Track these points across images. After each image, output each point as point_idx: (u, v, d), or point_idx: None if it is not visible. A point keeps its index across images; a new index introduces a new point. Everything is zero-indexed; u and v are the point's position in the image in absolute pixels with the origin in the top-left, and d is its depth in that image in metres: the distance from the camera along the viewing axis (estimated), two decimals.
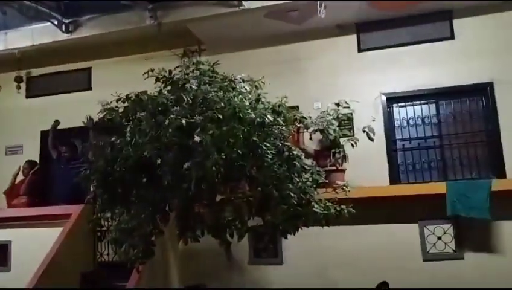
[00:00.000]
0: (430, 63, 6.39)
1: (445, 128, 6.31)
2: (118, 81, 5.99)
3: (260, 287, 5.15)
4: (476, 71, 6.20)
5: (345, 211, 3.73)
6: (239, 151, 3.13)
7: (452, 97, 6.34)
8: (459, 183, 5.31)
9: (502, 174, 5.80)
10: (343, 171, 5.09)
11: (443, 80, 6.29)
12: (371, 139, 5.58)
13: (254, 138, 3.33)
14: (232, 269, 5.30)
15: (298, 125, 5.93)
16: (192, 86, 3.63)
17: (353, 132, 6.47)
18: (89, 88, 7.83)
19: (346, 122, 6.31)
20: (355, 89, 6.55)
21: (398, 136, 6.45)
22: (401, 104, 6.52)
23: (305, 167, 3.65)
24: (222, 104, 3.43)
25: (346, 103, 5.13)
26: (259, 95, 4.16)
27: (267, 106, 3.86)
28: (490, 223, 4.76)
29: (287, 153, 3.60)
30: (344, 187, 3.72)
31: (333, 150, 5.06)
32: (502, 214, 4.75)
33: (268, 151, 3.44)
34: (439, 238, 4.85)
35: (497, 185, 4.68)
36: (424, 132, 6.37)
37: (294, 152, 3.65)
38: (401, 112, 6.53)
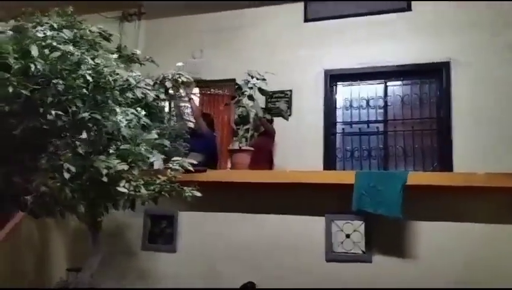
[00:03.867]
0: (381, 38, 5.62)
1: (391, 113, 5.56)
2: None
3: (149, 274, 4.62)
4: (432, 49, 5.43)
5: (188, 193, 3.10)
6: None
7: (403, 78, 5.57)
8: (370, 173, 4.58)
9: (448, 167, 5.07)
10: (248, 151, 4.46)
11: (394, 57, 5.52)
12: (285, 118, 4.89)
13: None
14: (123, 254, 4.76)
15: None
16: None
17: (290, 111, 5.80)
18: None
19: (274, 99, 5.62)
20: (297, 62, 5.86)
21: (338, 119, 5.73)
22: (346, 83, 5.77)
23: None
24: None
25: (259, 74, 4.47)
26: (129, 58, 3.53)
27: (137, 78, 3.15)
28: (404, 223, 4.03)
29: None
30: (180, 167, 3.04)
31: (237, 127, 4.43)
32: (419, 214, 4.01)
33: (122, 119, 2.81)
34: (348, 236, 4.16)
35: (415, 178, 3.93)
36: (367, 115, 5.63)
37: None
38: (344, 92, 5.79)
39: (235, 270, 4.34)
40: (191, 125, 5.31)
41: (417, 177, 3.97)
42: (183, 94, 5.23)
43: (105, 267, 4.24)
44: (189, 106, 5.12)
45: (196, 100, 6.21)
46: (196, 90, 6.01)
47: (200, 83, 6.09)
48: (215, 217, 4.55)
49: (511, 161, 4.64)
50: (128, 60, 3.73)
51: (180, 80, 3.72)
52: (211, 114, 5.61)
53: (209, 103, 6.41)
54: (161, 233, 4.77)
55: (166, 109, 5.77)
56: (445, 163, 5.15)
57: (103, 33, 3.24)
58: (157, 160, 3.23)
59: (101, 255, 3.75)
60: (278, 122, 5.37)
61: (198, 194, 3.17)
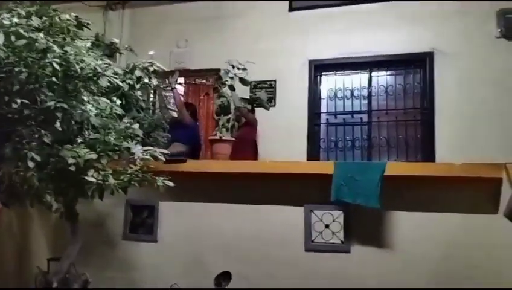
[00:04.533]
0: (366, 27, 5.57)
1: (375, 104, 5.53)
2: None
3: (130, 264, 4.62)
4: (416, 39, 5.39)
5: (159, 183, 3.08)
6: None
7: (387, 68, 5.54)
8: (349, 164, 4.57)
9: (431, 158, 5.07)
10: (229, 142, 4.43)
11: (379, 47, 5.48)
12: (266, 108, 4.86)
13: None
14: (105, 243, 4.75)
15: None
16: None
17: (275, 101, 5.77)
18: None
19: (258, 89, 5.58)
20: (281, 52, 5.80)
21: (323, 109, 5.71)
22: (330, 73, 5.73)
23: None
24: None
25: (240, 64, 4.43)
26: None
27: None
28: (383, 213, 4.03)
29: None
30: (150, 157, 2.99)
31: (218, 118, 4.40)
32: (397, 204, 4.02)
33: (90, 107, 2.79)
34: (327, 226, 4.16)
35: (393, 168, 3.93)
36: (352, 106, 5.61)
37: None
38: (329, 82, 5.76)
39: (216, 260, 4.34)
40: (175, 115, 5.28)
41: (395, 168, 3.98)
42: (166, 84, 5.21)
43: (87, 257, 4.24)
44: (172, 95, 5.08)
45: (180, 90, 6.18)
46: (180, 79, 5.97)
47: (185, 73, 6.04)
48: (197, 207, 4.55)
49: (493, 152, 4.62)
50: (107, 49, 3.69)
51: (151, 68, 3.68)
52: (194, 104, 5.57)
53: (194, 93, 6.37)
54: (142, 223, 4.76)
55: (151, 99, 5.76)
56: (427, 154, 5.15)
57: (75, 21, 3.19)
58: (134, 150, 3.20)
59: (80, 244, 3.74)
60: (262, 113, 5.35)
61: (171, 184, 3.15)
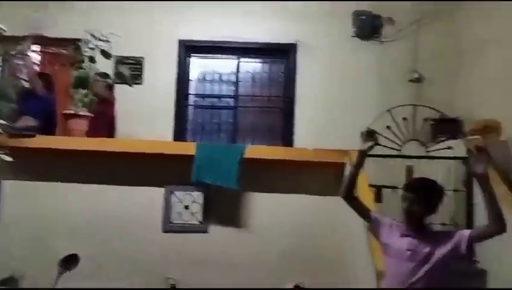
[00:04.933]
0: (238, 14, 5.65)
1: (243, 89, 5.68)
2: None
3: None
4: (283, 30, 5.63)
5: None
6: None
7: (255, 55, 5.71)
8: (210, 145, 4.67)
9: (291, 144, 5.38)
10: (85, 117, 4.16)
11: (248, 34, 5.60)
12: (129, 84, 4.67)
13: None
14: None
15: None
16: None
17: (142, 78, 5.56)
18: None
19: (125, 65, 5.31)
20: (151, 30, 5.61)
21: (191, 91, 5.68)
22: (200, 55, 5.72)
23: None
24: None
25: (102, 36, 4.16)
26: None
27: None
28: (241, 194, 4.18)
29: None
30: None
31: (75, 91, 4.09)
32: (256, 185, 4.20)
33: None
34: (187, 207, 4.18)
35: (252, 151, 4.09)
36: (220, 89, 5.67)
37: None
38: (199, 64, 5.74)
39: (65, 243, 4.04)
40: (26, 85, 4.76)
41: (254, 151, 4.13)
42: (17, 50, 4.66)
43: None
44: (24, 63, 4.57)
45: (35, 59, 5.59)
46: (36, 47, 5.40)
47: (42, 40, 5.48)
48: (47, 186, 4.18)
49: (342, 140, 5.04)
50: None
51: None
52: (50, 74, 5.08)
53: (51, 64, 5.81)
54: None
55: None
56: (288, 140, 5.45)
57: None
58: None
59: None
60: (128, 90, 5.11)
61: (9, 158, 2.84)
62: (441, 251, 2.29)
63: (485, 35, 4.67)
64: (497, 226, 2.20)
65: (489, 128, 4.17)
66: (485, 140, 3.94)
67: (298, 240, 4.18)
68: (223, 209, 4.21)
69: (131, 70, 5.26)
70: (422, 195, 2.32)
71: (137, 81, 5.46)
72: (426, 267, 2.29)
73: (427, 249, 2.31)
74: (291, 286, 3.99)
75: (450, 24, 5.38)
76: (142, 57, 5.58)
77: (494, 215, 2.20)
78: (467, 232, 2.30)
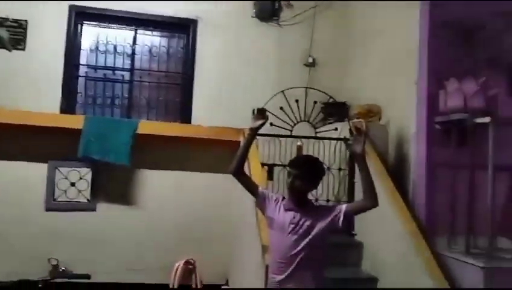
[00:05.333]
0: None
1: (138, 63, 5.44)
2: None
3: None
4: (185, 4, 5.47)
5: None
6: None
7: (154, 28, 5.50)
8: (100, 119, 4.49)
9: (188, 120, 5.31)
10: None
11: (148, 6, 5.36)
12: (8, 49, 4.26)
13: None
14: None
15: None
16: None
17: (25, 44, 5.06)
18: None
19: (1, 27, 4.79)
20: None
21: (82, 61, 5.31)
22: (93, 23, 5.36)
23: None
24: None
25: None
26: None
27: None
28: (133, 171, 4.07)
29: None
30: None
31: None
32: (148, 162, 4.11)
33: None
34: (73, 184, 3.95)
35: (146, 127, 3.98)
36: (114, 62, 5.38)
37: None
38: (91, 33, 5.37)
39: None
40: None
41: (148, 127, 4.03)
42: None
43: None
44: None
45: None
46: None
47: None
48: None
49: (238, 118, 5.09)
50: None
51: None
52: None
53: None
54: None
55: None
56: (186, 117, 5.37)
57: None
58: None
59: None
60: (8, 56, 4.65)
61: None
62: (321, 224, 2.44)
63: (372, 25, 5.01)
64: (370, 201, 2.40)
65: (372, 113, 4.51)
66: (368, 123, 4.26)
67: (190, 217, 4.19)
68: (113, 186, 4.07)
69: (12, 34, 4.79)
70: (305, 171, 2.44)
71: (19, 47, 5.00)
72: (307, 239, 2.42)
73: (308, 223, 2.44)
74: (182, 262, 4.00)
75: (343, 13, 5.67)
76: (25, 20, 5.07)
77: (368, 191, 2.39)
78: (344, 207, 2.47)
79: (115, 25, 5.40)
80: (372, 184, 2.40)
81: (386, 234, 3.56)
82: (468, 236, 3.28)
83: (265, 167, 4.12)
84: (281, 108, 4.33)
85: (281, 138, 4.13)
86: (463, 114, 3.35)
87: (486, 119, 3.18)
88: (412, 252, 3.24)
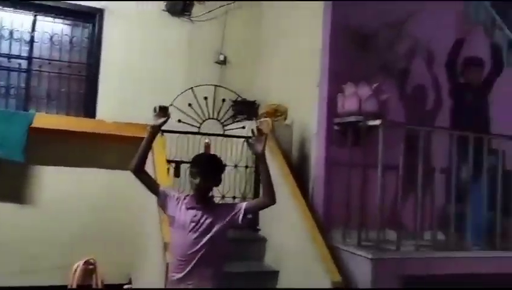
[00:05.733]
0: None
1: (38, 51, 5.09)
2: None
3: None
4: None
5: None
6: None
7: (56, 15, 5.17)
8: None
9: (92, 115, 5.06)
10: None
11: None
12: None
13: None
14: None
15: None
16: None
17: None
18: None
19: None
20: None
21: None
22: None
23: None
24: None
25: None
26: None
27: None
28: (27, 167, 3.82)
29: None
30: None
31: None
32: (46, 158, 3.88)
33: None
34: None
35: (42, 120, 3.76)
36: (10, 48, 4.98)
37: None
38: None
39: None
40: None
41: (45, 120, 3.82)
42: None
43: None
44: None
45: None
46: None
47: None
48: None
49: (145, 113, 4.98)
50: None
51: None
52: None
53: None
54: None
55: None
56: (90, 110, 5.13)
57: None
58: None
59: None
60: None
61: None
62: (221, 222, 2.49)
63: (284, 26, 5.14)
64: (268, 198, 2.50)
65: (279, 113, 4.67)
66: (274, 123, 4.40)
67: (91, 216, 4.05)
68: (5, 183, 3.78)
69: None
70: (204, 168, 2.48)
71: None
72: (207, 237, 2.45)
73: (209, 221, 2.48)
74: (81, 263, 3.84)
75: (254, 12, 5.77)
76: None
77: (267, 189, 2.49)
78: (243, 205, 2.54)
79: (11, 9, 4.99)
80: (271, 183, 2.50)
81: (288, 229, 3.72)
82: (360, 230, 3.54)
83: (173, 164, 4.09)
84: (190, 105, 4.31)
85: (188, 135, 4.12)
86: (358, 116, 3.60)
87: (377, 122, 3.44)
88: (309, 246, 3.42)
